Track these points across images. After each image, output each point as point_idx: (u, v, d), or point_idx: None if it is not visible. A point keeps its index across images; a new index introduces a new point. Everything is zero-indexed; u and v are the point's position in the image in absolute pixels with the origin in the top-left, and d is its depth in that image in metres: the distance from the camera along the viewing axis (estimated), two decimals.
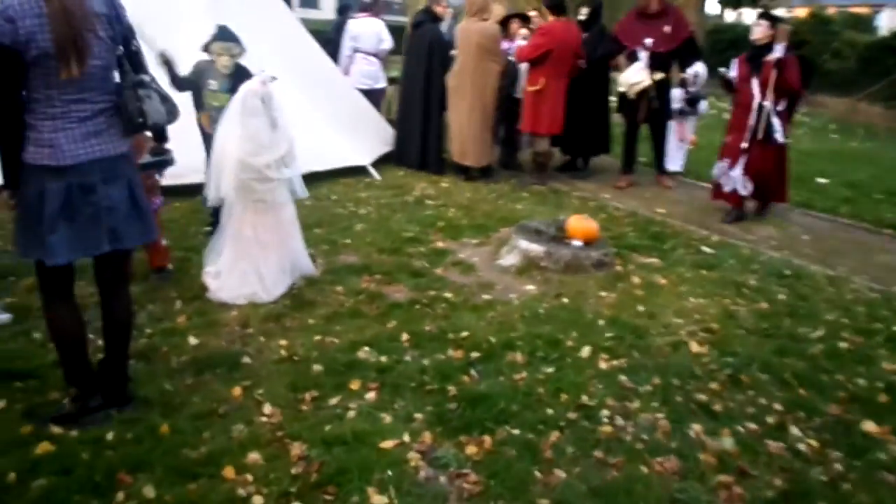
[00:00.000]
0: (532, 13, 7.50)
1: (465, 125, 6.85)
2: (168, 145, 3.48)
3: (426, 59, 7.02)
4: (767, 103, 5.56)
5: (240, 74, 4.21)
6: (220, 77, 4.42)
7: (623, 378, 3.27)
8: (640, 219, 6.00)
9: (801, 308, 4.21)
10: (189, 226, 5.18)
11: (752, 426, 2.96)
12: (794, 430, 2.94)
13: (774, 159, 5.82)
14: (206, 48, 4.36)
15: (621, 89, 6.91)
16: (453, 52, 6.89)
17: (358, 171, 6.88)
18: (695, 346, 3.63)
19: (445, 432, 2.80)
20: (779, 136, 5.63)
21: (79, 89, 2.49)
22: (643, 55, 6.63)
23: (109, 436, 2.68)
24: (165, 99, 2.67)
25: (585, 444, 2.78)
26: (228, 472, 2.52)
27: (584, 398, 3.07)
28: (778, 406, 3.11)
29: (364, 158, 6.95)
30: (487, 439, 2.76)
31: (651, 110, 6.80)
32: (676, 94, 7.04)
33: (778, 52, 5.50)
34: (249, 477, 2.50)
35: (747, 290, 4.45)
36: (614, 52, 6.97)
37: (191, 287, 4.09)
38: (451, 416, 2.90)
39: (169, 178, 4.28)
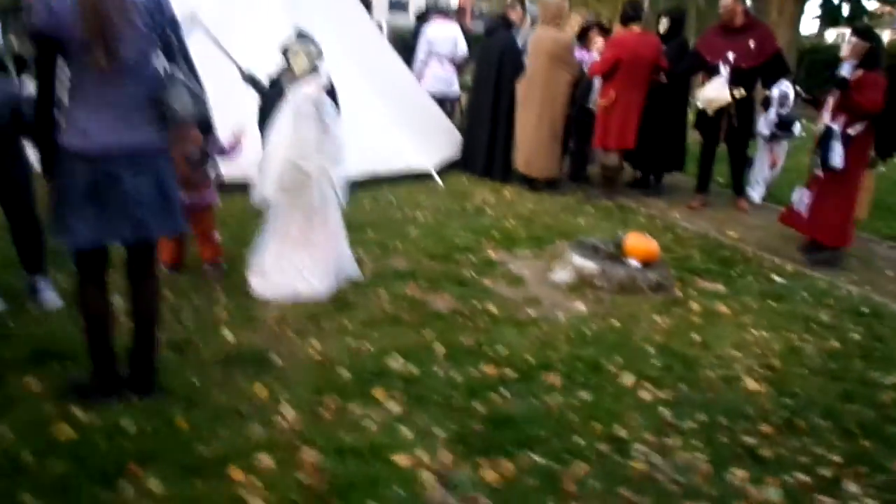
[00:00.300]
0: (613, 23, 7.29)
1: (532, 135, 6.69)
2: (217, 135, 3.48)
3: (496, 67, 6.90)
4: (834, 125, 5.05)
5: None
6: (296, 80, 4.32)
7: (665, 411, 3.04)
8: (710, 242, 5.69)
9: (877, 350, 3.85)
10: (248, 221, 5.20)
11: (804, 478, 2.68)
12: (852, 487, 2.65)
13: (833, 192, 5.11)
14: (284, 49, 4.32)
15: (700, 105, 6.59)
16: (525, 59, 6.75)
17: (422, 176, 6.82)
18: (750, 383, 3.36)
19: (464, 453, 2.66)
20: (835, 161, 4.98)
21: (114, 78, 2.50)
22: (724, 70, 6.30)
23: (129, 426, 2.67)
24: (194, 93, 2.62)
25: (613, 480, 2.58)
26: (236, 473, 2.46)
27: (619, 430, 2.87)
28: (836, 457, 2.82)
29: (429, 164, 6.88)
30: (508, 465, 2.60)
31: (731, 129, 6.46)
32: (769, 117, 6.66)
33: (845, 69, 5.05)
34: (256, 480, 2.43)
35: (817, 326, 4.12)
36: (696, 67, 6.68)
37: (238, 282, 4.09)
38: (473, 436, 2.76)
39: (235, 172, 4.33)
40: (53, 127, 2.52)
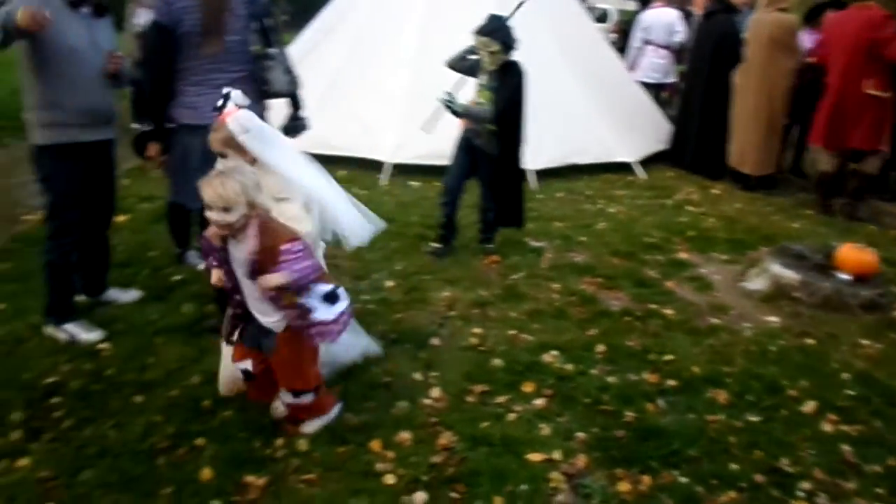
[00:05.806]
0: None
1: (748, 128, 6.12)
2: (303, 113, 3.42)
3: (711, 54, 6.40)
4: None
5: (504, 70, 3.95)
6: (485, 73, 4.06)
7: (847, 449, 2.66)
8: None
9: None
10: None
11: None
12: None
13: None
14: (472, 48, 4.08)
15: None
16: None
17: (624, 168, 6.58)
18: None
19: (602, 460, 2.55)
20: None
21: (218, 60, 3.01)
22: None
23: None
24: (288, 71, 3.12)
25: None
26: (375, 444, 2.58)
27: (784, 461, 2.56)
28: None
29: (631, 155, 6.61)
30: (646, 479, 2.45)
31: None
32: None
33: None
34: (391, 454, 2.54)
35: None
36: None
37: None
38: (615, 443, 2.63)
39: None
40: (168, 103, 3.02)
